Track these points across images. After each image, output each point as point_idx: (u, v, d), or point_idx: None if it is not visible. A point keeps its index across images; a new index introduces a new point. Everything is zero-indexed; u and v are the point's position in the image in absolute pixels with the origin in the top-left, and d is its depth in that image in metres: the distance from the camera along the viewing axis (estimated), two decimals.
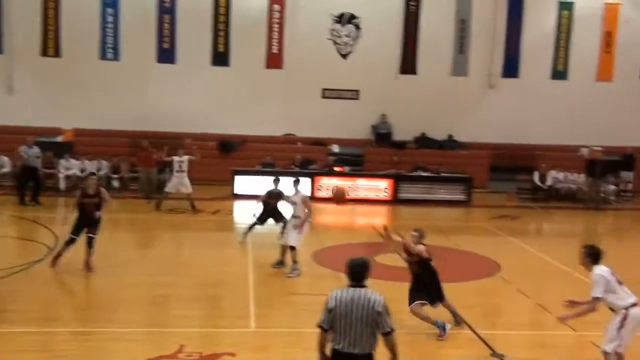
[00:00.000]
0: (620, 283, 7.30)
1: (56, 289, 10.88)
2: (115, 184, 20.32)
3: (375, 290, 5.66)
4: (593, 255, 7.34)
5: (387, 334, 5.61)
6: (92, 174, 13.67)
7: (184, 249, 12.80)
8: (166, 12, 23.23)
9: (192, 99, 23.38)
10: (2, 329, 8.82)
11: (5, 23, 22.40)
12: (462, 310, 9.64)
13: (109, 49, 23.05)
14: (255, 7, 23.61)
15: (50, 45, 22.74)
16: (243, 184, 20.25)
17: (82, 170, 20.13)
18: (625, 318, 7.17)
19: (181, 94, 23.34)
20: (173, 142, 21.80)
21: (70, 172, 20.13)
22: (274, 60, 23.99)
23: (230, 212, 18.84)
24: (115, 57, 23.11)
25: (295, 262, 11.87)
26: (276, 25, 23.82)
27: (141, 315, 9.86)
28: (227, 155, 22.70)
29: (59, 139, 21.80)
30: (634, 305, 7.22)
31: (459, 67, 24.48)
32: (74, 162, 20.44)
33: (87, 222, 11.59)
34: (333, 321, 5.55)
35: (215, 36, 23.57)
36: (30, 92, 22.80)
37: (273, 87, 23.96)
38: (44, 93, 22.81)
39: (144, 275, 11.54)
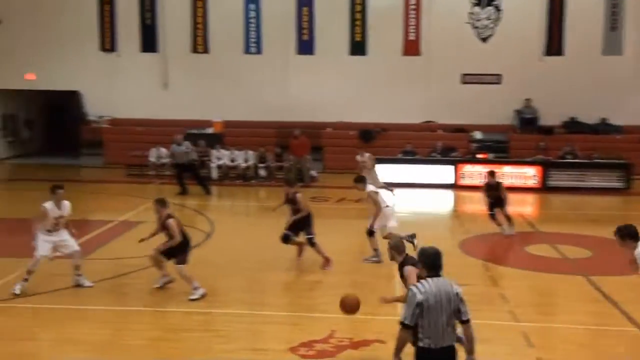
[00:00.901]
0: None
1: (215, 272, 11.53)
2: (262, 172, 21.11)
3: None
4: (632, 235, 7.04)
5: (467, 322, 5.46)
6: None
7: (328, 237, 13.10)
8: (305, 4, 23.82)
9: (331, 89, 23.83)
10: (171, 308, 9.55)
11: (159, 25, 24.02)
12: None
13: (252, 43, 24.05)
14: None
15: (200, 42, 24.13)
16: (384, 172, 20.34)
17: (232, 160, 21.20)
18: None
19: (320, 84, 23.87)
20: (314, 131, 22.51)
21: (221, 162, 21.20)
22: (411, 47, 23.86)
23: None
24: (258, 50, 24.09)
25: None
26: (413, 12, 23.66)
27: (292, 300, 10.28)
28: (367, 143, 22.85)
29: (210, 130, 23.00)
30: None
31: (612, 46, 23.01)
32: (224, 152, 21.52)
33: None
34: (420, 316, 5.31)
35: (352, 26, 23.84)
36: (182, 87, 24.30)
37: (411, 74, 23.86)
38: (195, 87, 24.22)
39: (292, 262, 11.97)
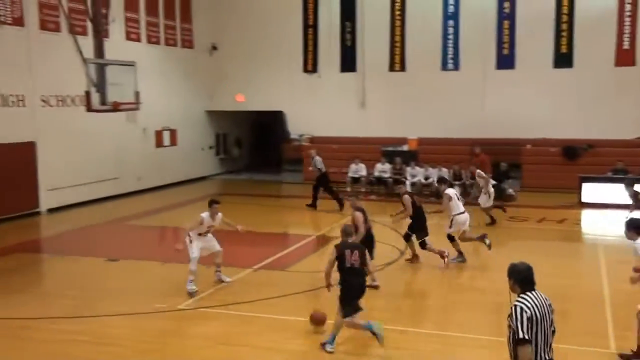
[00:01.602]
0: None
1: (406, 289, 11.45)
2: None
3: None
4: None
5: (554, 332, 5.33)
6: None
7: (527, 258, 12.40)
8: (506, 18, 23.08)
9: (532, 104, 22.74)
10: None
11: (358, 45, 24.68)
12: None
13: (450, 59, 23.80)
14: (601, 3, 22.05)
15: (397, 60, 24.40)
16: (591, 191, 18.97)
17: (426, 178, 21.08)
18: None
19: (521, 99, 22.88)
20: (513, 148, 21.63)
21: (415, 179, 21.17)
22: (625, 57, 22.07)
23: (577, 222, 17.72)
24: (456, 66, 23.77)
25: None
26: (628, 19, 21.87)
27: (484, 322, 9.85)
28: (572, 161, 21.47)
29: (405, 147, 23.07)
30: None
31: None
32: (418, 169, 21.48)
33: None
34: (531, 331, 5.05)
35: (558, 37, 22.63)
36: (379, 105, 24.67)
37: (624, 86, 22.01)
38: (391, 105, 24.46)
39: (488, 282, 11.51)
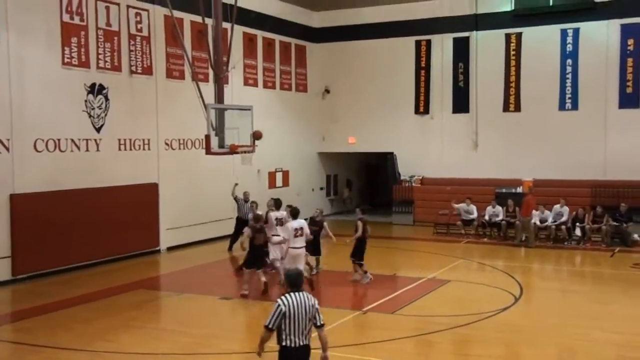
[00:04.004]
0: None
1: (519, 337, 11.00)
2: (578, 233, 19.84)
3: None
4: None
5: (321, 327, 6.68)
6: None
7: None
8: (629, 55, 22.13)
9: None
10: None
11: (471, 86, 24.46)
12: None
13: (568, 99, 23.05)
14: None
15: (511, 101, 23.94)
16: None
17: (542, 221, 20.25)
18: None
19: None
20: (633, 191, 20.51)
21: (531, 222, 20.35)
22: None
23: None
24: (574, 106, 22.98)
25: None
26: None
27: None
28: None
29: (519, 189, 22.40)
30: None
31: None
32: (534, 212, 20.63)
33: None
34: (282, 322, 6.46)
35: None
36: (492, 146, 24.19)
37: None
38: (505, 146, 23.92)
39: (609, 333, 10.86)
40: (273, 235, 14.06)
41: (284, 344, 6.53)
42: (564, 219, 19.97)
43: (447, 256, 17.90)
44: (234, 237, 18.55)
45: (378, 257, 16.89)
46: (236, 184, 19.03)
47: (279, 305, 6.51)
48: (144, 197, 18.44)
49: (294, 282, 6.72)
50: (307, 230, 13.56)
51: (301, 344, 6.52)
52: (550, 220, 20.11)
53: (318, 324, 6.66)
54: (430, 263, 17.21)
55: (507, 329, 11.27)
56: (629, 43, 22.20)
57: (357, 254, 14.75)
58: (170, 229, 19.21)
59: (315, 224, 15.02)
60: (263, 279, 13.52)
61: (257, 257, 13.69)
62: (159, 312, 13.38)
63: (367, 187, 29.82)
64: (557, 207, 20.25)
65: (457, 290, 14.36)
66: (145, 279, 15.78)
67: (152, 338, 10.93)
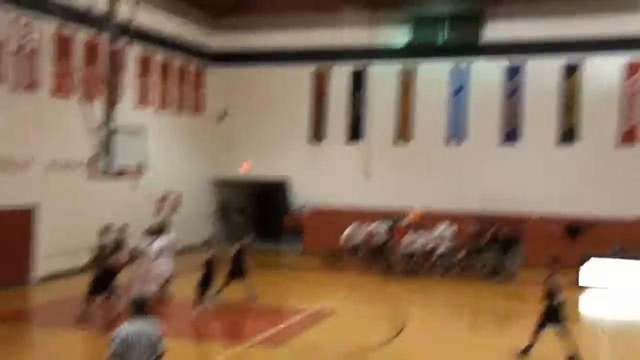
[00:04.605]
0: None
1: None
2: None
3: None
4: None
5: (160, 356, 6.69)
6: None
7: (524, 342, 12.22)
8: (513, 94, 23.58)
9: (535, 179, 22.93)
10: None
11: (365, 116, 25.04)
12: None
13: (455, 133, 24.13)
14: (607, 84, 22.49)
15: (403, 132, 24.72)
16: (592, 271, 18.82)
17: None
18: None
19: (524, 174, 23.08)
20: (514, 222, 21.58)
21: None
22: (628, 137, 22.33)
23: (574, 303, 17.43)
24: (460, 140, 24.06)
25: None
26: (633, 99, 22.30)
27: None
28: (573, 239, 21.34)
29: (404, 221, 22.91)
30: None
31: None
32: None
33: None
34: (122, 350, 6.49)
35: (562, 114, 23.00)
36: (384, 175, 24.81)
37: (627, 164, 22.16)
38: (396, 176, 24.59)
39: None
40: None
41: None
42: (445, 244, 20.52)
43: (335, 287, 18.04)
44: None
45: (263, 287, 16.75)
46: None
47: (116, 334, 6.63)
48: (19, 223, 17.12)
49: (136, 308, 6.82)
50: None
51: None
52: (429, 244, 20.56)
53: (157, 353, 6.68)
54: (318, 293, 17.27)
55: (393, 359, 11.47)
56: (512, 82, 23.54)
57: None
58: (46, 257, 17.85)
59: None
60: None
61: None
62: (25, 348, 12.47)
63: (260, 215, 29.57)
64: (441, 227, 20.81)
65: (344, 320, 14.49)
66: (14, 312, 14.63)
67: None
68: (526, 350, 11.54)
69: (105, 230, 14.82)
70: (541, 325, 11.50)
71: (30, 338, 13.31)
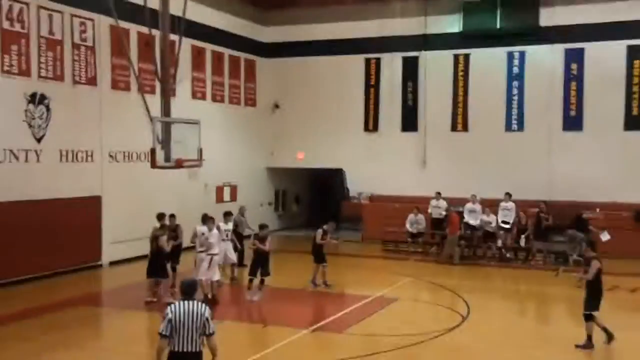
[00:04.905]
0: None
1: (465, 358, 10.98)
2: (522, 243, 20.05)
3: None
4: None
5: (211, 335, 6.87)
6: None
7: (596, 329, 11.77)
8: (573, 79, 22.74)
9: (601, 167, 22.09)
10: None
11: (420, 105, 24.69)
12: None
13: (514, 120, 23.50)
14: None
15: (459, 120, 24.25)
16: None
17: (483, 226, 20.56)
18: None
19: (589, 162, 22.28)
20: (578, 211, 20.90)
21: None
22: None
23: None
24: (520, 127, 23.43)
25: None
26: None
27: None
28: None
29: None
30: None
31: None
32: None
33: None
34: (172, 329, 6.71)
35: (629, 99, 22.11)
36: (440, 165, 24.41)
37: None
38: (453, 165, 24.13)
39: (555, 354, 10.91)
40: None
41: (172, 349, 6.80)
42: (510, 219, 20.10)
43: (396, 274, 17.82)
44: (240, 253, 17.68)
45: (328, 274, 16.65)
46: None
47: (167, 313, 6.82)
48: (87, 210, 17.80)
49: (185, 290, 7.04)
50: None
51: (188, 350, 6.76)
52: (493, 223, 20.21)
53: (207, 332, 6.86)
54: (379, 281, 17.10)
55: (454, 349, 11.22)
56: (572, 67, 22.81)
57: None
58: (113, 243, 18.59)
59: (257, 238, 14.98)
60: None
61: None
62: (97, 330, 12.88)
63: (317, 203, 29.64)
64: (502, 203, 20.43)
65: (405, 308, 14.28)
66: (87, 295, 15.19)
67: (91, 357, 10.48)
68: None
69: (161, 216, 15.19)
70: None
71: (104, 319, 13.70)
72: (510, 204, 20.44)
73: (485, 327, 12.68)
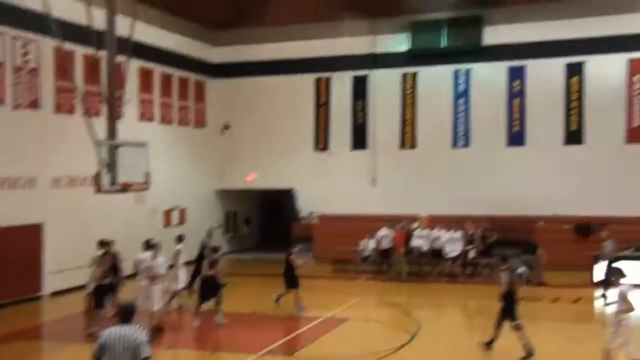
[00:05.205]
0: None
1: None
2: (472, 254, 20.32)
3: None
4: None
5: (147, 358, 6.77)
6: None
7: (540, 339, 11.99)
8: (517, 96, 23.37)
9: (543, 181, 22.71)
10: None
11: (370, 123, 24.96)
12: None
13: (461, 136, 23.96)
14: (610, 82, 22.32)
15: (408, 138, 24.59)
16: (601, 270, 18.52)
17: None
18: None
19: (531, 176, 22.86)
20: (525, 225, 21.37)
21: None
22: (635, 135, 22.15)
23: (590, 301, 17.23)
24: (466, 143, 23.90)
25: None
26: (638, 98, 22.09)
27: None
28: (585, 239, 21.08)
29: (415, 225, 22.81)
30: None
31: None
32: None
33: None
34: (102, 352, 6.73)
35: (568, 115, 22.83)
36: (390, 182, 24.66)
37: (635, 163, 21.94)
38: (402, 182, 24.42)
39: None
40: None
41: None
42: (457, 248, 20.33)
43: (346, 294, 17.85)
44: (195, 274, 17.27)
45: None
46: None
47: (100, 337, 6.91)
48: (27, 239, 17.13)
49: (121, 314, 7.04)
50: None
51: None
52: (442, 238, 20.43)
53: (140, 357, 6.75)
54: (330, 301, 17.08)
55: None
56: (515, 84, 23.46)
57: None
58: (55, 273, 17.88)
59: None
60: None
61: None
62: None
63: (267, 224, 29.53)
64: (450, 233, 20.66)
65: (355, 328, 14.30)
66: (26, 328, 14.61)
67: None
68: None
69: (102, 244, 14.66)
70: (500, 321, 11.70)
71: (45, 354, 13.29)
72: (457, 235, 20.52)
73: (433, 345, 12.80)
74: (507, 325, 11.56)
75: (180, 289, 15.71)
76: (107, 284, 13.79)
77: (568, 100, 22.89)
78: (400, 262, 20.15)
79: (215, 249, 15.06)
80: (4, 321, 15.04)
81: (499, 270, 12.19)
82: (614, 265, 14.12)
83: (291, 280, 15.54)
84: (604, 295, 16.17)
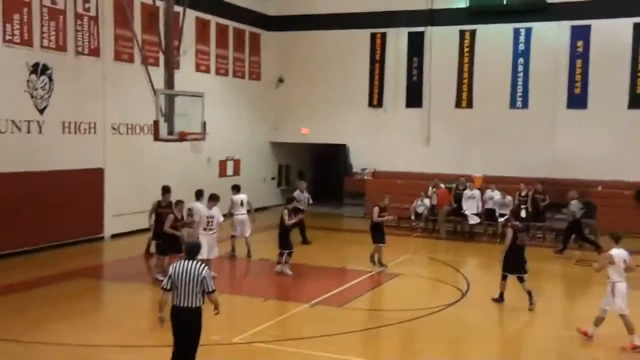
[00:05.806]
0: None
1: (465, 333, 11.05)
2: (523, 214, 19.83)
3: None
4: None
5: (211, 293, 7.60)
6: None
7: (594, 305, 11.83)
8: (579, 57, 22.53)
9: (604, 145, 21.98)
10: None
11: (425, 81, 24.54)
12: None
13: (519, 97, 23.35)
14: None
15: (464, 97, 24.10)
16: None
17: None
18: None
19: (592, 140, 22.17)
20: (582, 189, 20.83)
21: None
22: None
23: None
24: (524, 105, 23.28)
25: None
26: None
27: None
28: None
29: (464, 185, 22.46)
30: None
31: None
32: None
33: None
34: (172, 284, 7.49)
35: (634, 77, 21.92)
36: (444, 141, 24.30)
37: None
38: (456, 142, 24.04)
39: (551, 329, 11.00)
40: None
41: (173, 303, 7.55)
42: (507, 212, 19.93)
43: (397, 250, 17.86)
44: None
45: (327, 250, 16.74)
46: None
47: (169, 270, 7.64)
48: (89, 183, 17.84)
49: (188, 251, 7.86)
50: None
51: (187, 305, 7.45)
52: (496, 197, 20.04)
53: (207, 290, 7.55)
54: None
55: (453, 324, 11.28)
56: (579, 45, 22.60)
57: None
58: (115, 216, 18.64)
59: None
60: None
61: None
62: (98, 302, 12.96)
63: (320, 178, 29.63)
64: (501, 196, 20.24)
65: (405, 284, 14.34)
66: (88, 267, 15.27)
67: (88, 329, 10.55)
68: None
69: (167, 189, 14.89)
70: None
71: (106, 291, 13.81)
72: (509, 199, 19.94)
73: (483, 303, 12.72)
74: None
75: (238, 236, 16.14)
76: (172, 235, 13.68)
77: (634, 62, 21.95)
78: (440, 220, 20.02)
79: (289, 200, 15.55)
80: (68, 259, 15.73)
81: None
82: None
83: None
84: None
